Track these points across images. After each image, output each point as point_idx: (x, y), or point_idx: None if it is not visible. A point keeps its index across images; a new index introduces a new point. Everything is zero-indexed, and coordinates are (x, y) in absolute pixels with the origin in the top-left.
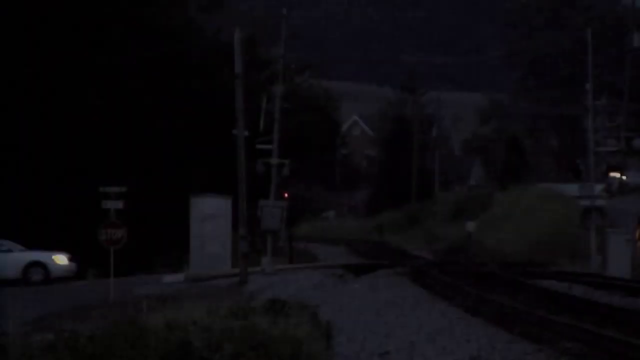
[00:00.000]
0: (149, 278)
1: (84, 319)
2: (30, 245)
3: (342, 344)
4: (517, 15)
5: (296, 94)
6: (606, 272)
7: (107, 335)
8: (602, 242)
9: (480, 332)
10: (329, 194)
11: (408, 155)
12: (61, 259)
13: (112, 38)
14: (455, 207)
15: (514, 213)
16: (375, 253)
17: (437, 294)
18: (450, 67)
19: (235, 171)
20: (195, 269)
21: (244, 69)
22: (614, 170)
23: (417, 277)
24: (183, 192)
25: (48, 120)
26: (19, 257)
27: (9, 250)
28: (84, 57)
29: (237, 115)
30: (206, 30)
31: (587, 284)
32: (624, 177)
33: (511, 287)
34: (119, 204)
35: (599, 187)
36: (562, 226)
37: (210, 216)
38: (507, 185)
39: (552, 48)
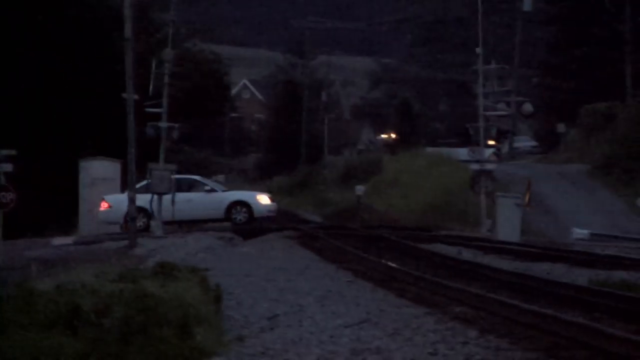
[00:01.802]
0: (39, 241)
1: None
2: None
3: (232, 308)
4: None
5: (186, 58)
6: (496, 236)
7: None
8: (492, 206)
9: (369, 296)
10: (219, 157)
11: (298, 119)
12: (264, 199)
13: None
14: (345, 171)
15: (404, 177)
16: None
17: (327, 258)
18: (341, 32)
19: (125, 135)
20: (85, 232)
21: (133, 33)
22: (504, 134)
23: (307, 240)
24: (73, 156)
25: None
26: (222, 196)
27: (213, 190)
28: None
29: (127, 79)
30: None
31: (477, 247)
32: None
33: (401, 250)
34: (9, 167)
35: (489, 151)
36: (452, 190)
37: (99, 180)
38: (397, 150)
39: (443, 13)
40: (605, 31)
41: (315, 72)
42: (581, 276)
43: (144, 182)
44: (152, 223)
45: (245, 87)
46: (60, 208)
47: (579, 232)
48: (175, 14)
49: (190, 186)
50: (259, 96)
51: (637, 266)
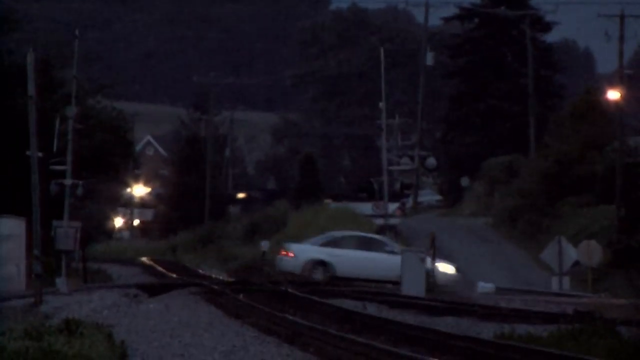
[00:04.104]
0: None
1: None
2: None
3: None
4: (310, 36)
5: (90, 115)
6: (401, 291)
7: None
8: None
9: (274, 351)
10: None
11: (201, 175)
12: (448, 268)
13: None
14: (249, 226)
15: (308, 232)
16: (170, 273)
17: (231, 314)
18: (244, 88)
19: (30, 192)
20: None
21: (37, 90)
22: (408, 188)
23: (211, 296)
24: None
25: None
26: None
27: (393, 252)
28: None
29: (31, 137)
30: None
31: (382, 302)
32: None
33: (305, 306)
34: None
35: (393, 206)
36: None
37: (4, 237)
38: (301, 205)
39: (345, 68)
40: (508, 85)
41: (219, 128)
42: (486, 330)
43: (324, 236)
44: (58, 280)
45: (149, 143)
46: None
47: (484, 286)
48: (78, 70)
49: (372, 245)
50: (163, 152)
51: (541, 319)
